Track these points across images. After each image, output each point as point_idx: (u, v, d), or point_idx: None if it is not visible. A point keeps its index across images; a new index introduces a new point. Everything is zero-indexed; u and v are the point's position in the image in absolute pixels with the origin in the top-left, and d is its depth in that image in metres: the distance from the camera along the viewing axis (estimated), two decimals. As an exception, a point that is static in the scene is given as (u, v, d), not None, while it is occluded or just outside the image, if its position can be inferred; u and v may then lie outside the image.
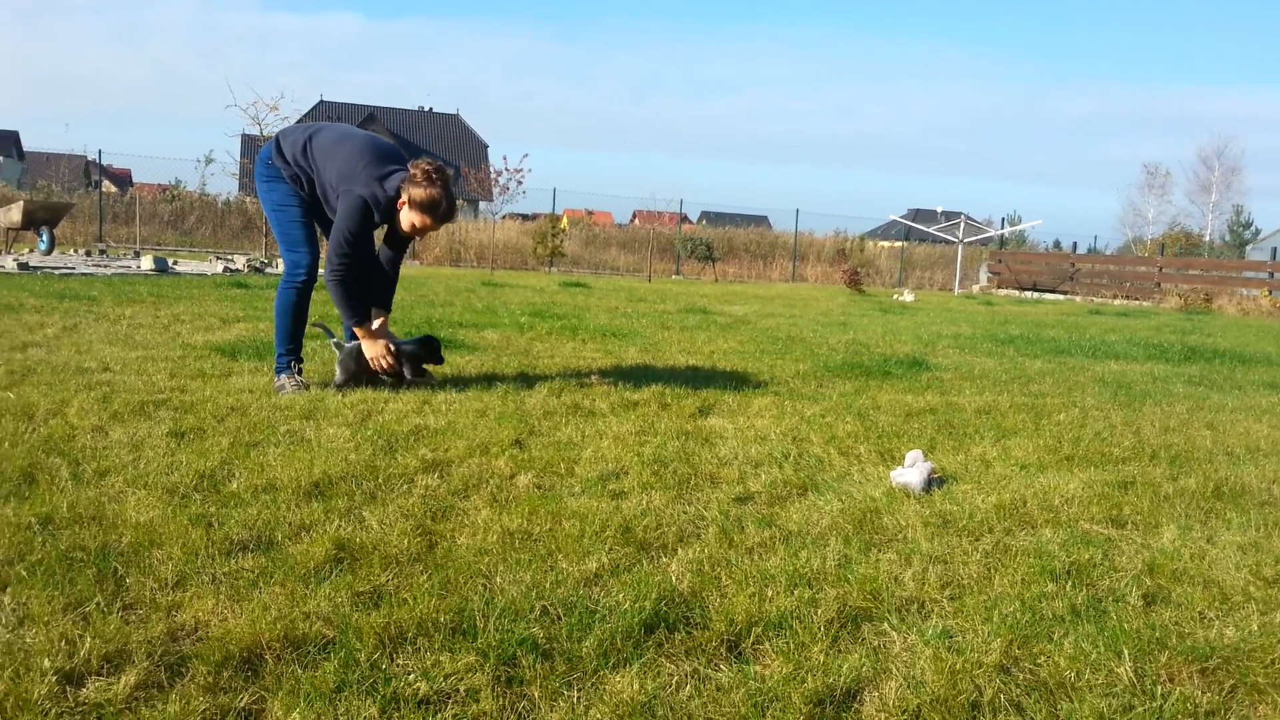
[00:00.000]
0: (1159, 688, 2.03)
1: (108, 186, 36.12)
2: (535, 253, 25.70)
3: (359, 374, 4.87)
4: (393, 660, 1.99)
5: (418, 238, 4.90)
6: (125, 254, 18.44)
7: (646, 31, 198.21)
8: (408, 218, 4.61)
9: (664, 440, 4.04)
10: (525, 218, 33.70)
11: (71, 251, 18.56)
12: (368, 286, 4.86)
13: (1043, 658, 2.15)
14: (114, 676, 1.87)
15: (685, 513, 3.08)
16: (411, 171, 4.59)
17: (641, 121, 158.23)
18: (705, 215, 48.22)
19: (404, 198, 4.56)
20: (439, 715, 1.81)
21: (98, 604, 2.16)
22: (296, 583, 2.34)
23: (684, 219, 35.17)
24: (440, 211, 4.60)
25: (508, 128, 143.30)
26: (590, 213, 41.30)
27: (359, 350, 4.84)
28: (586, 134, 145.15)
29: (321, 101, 54.51)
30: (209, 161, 35.68)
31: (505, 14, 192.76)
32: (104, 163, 29.15)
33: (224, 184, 44.59)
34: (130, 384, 4.64)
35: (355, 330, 4.76)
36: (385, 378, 4.91)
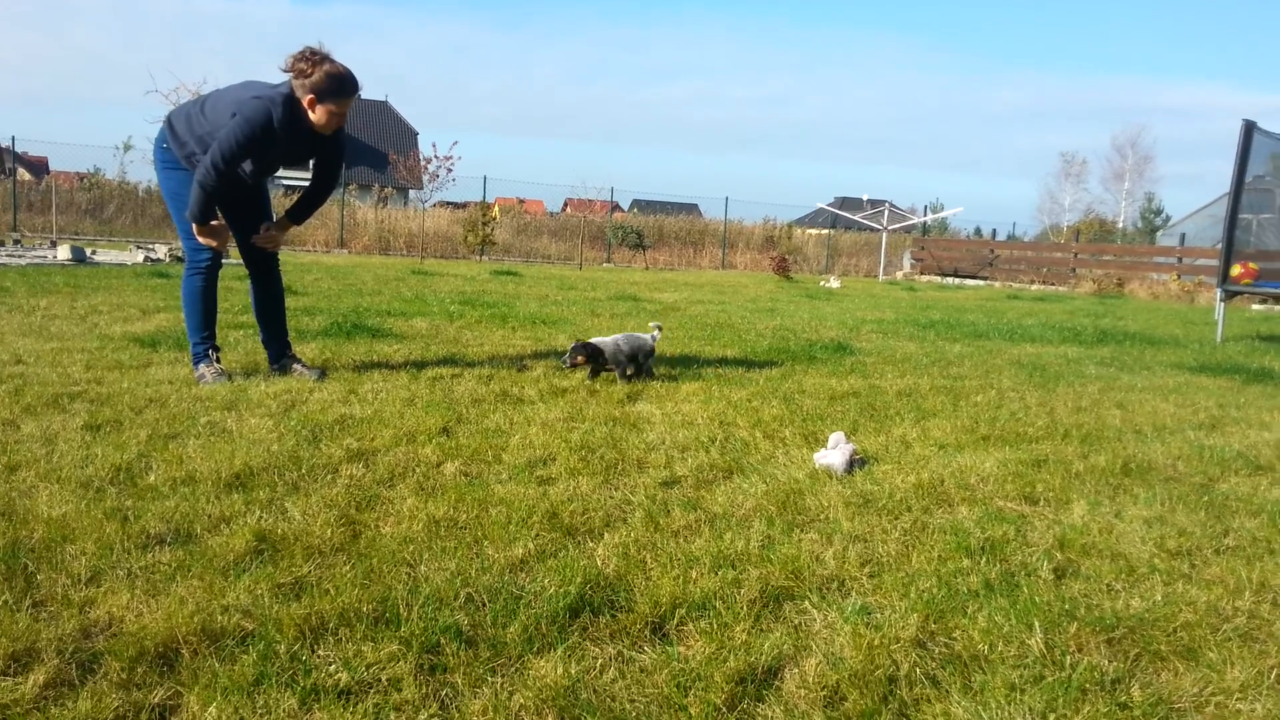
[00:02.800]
0: (1068, 658, 2.10)
1: (22, 174, 34.79)
2: (466, 241, 25.45)
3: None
4: (313, 651, 1.97)
5: (338, 125, 4.50)
6: (41, 244, 17.79)
7: (589, 18, 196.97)
8: (322, 111, 4.38)
9: (592, 426, 4.05)
10: (456, 206, 33.28)
11: (-18, 242, 17.90)
12: (237, 217, 4.81)
13: (957, 631, 2.21)
14: (21, 676, 1.82)
15: (612, 498, 3.10)
16: (293, 70, 4.34)
17: (576, 109, 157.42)
18: (637, 203, 48.23)
19: (307, 96, 4.35)
20: (360, 705, 1.80)
21: (5, 602, 2.10)
22: (215, 575, 2.30)
23: (615, 207, 35.16)
24: (349, 83, 4.39)
25: (438, 115, 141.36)
26: (521, 201, 40.96)
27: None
28: (519, 122, 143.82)
29: (245, 86, 53.10)
30: (128, 149, 34.70)
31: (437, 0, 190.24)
32: (18, 149, 28.05)
33: (145, 171, 43.22)
34: (44, 376, 4.50)
35: (193, 225, 4.50)
36: None
